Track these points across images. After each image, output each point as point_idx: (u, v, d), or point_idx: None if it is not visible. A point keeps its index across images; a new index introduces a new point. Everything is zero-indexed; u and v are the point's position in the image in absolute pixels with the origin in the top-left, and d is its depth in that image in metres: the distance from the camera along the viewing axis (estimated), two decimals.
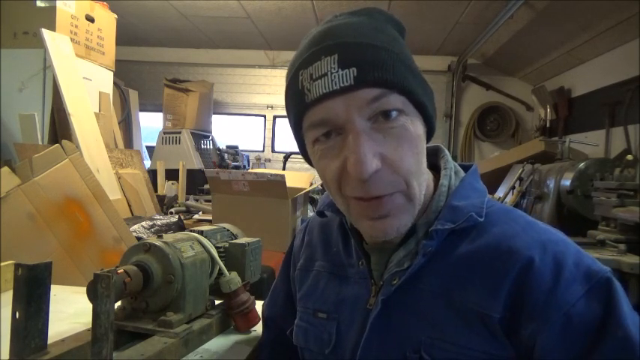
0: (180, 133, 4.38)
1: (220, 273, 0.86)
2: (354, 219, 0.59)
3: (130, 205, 2.48)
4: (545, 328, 0.50)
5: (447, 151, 0.67)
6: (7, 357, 0.58)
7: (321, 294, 0.69)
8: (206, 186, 3.43)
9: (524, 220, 0.58)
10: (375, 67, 0.51)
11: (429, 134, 0.60)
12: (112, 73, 2.90)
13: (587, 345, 0.48)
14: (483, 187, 0.64)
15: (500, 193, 3.57)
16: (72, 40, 2.43)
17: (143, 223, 2.04)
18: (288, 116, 0.61)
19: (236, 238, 0.97)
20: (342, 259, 0.69)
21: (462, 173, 0.65)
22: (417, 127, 0.55)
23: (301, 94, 0.54)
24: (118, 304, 0.77)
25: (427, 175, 0.61)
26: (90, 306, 0.57)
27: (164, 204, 2.99)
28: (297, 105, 0.55)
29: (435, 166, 0.66)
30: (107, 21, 2.78)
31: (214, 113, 5.21)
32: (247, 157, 5.29)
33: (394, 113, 0.53)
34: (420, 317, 0.56)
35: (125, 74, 4.45)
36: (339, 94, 0.51)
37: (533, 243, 0.54)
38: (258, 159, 5.68)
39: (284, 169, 4.38)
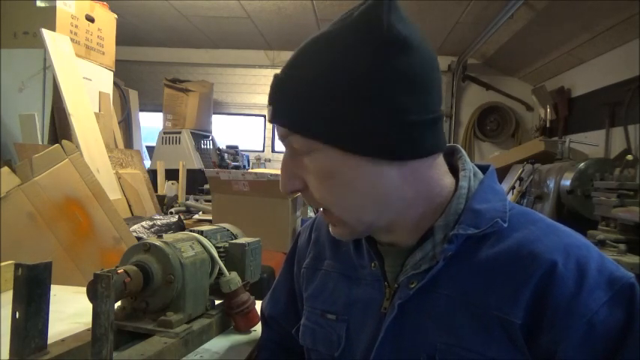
0: (180, 133, 4.38)
1: (220, 273, 0.86)
2: None
3: (130, 205, 2.48)
4: (567, 334, 0.49)
5: (463, 152, 0.66)
6: (7, 357, 0.58)
7: (330, 295, 0.68)
8: (206, 186, 3.43)
9: (545, 223, 0.57)
10: (281, 109, 0.56)
11: (401, 151, 0.54)
12: (112, 73, 2.90)
13: (609, 352, 0.48)
14: (502, 189, 0.63)
15: None
16: (72, 40, 2.43)
17: (143, 223, 2.04)
18: None
19: (236, 238, 0.97)
20: (352, 260, 0.67)
21: (480, 174, 0.63)
22: (331, 160, 0.54)
23: None
24: (118, 304, 0.77)
25: (426, 182, 0.58)
26: (90, 306, 0.57)
27: (164, 204, 2.99)
28: None
29: (452, 166, 0.64)
30: (107, 21, 2.77)
31: (214, 113, 5.21)
32: (247, 157, 5.29)
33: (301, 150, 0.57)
34: (436, 322, 0.55)
35: (125, 74, 4.45)
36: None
37: (556, 247, 0.53)
38: (258, 159, 5.67)
39: None
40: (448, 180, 0.61)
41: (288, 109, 0.56)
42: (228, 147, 5.06)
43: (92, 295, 0.56)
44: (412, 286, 0.57)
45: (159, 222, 2.11)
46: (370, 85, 0.52)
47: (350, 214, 0.58)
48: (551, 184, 3.10)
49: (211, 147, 4.78)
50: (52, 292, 0.62)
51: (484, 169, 0.65)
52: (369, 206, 0.57)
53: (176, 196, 3.28)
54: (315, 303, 0.70)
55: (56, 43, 2.28)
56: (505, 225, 0.56)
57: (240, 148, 5.17)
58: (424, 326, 0.56)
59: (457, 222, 0.57)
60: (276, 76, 0.57)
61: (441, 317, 0.55)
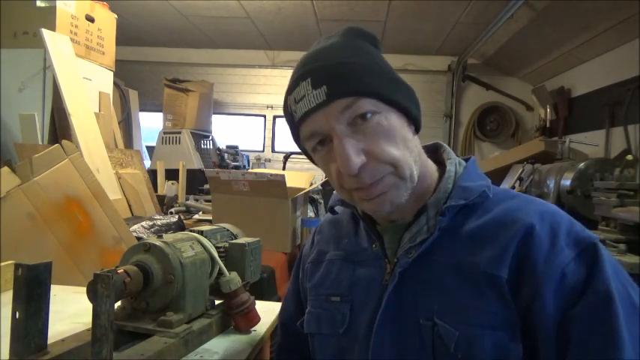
0: (180, 133, 4.38)
1: (220, 273, 0.86)
2: (357, 203, 0.68)
3: (130, 205, 2.48)
4: (545, 280, 0.57)
5: (446, 146, 0.75)
6: (7, 357, 0.59)
7: (334, 279, 0.74)
8: (206, 186, 3.43)
9: (524, 197, 0.68)
10: (341, 82, 0.62)
11: (416, 121, 0.68)
12: (112, 73, 2.90)
13: (571, 301, 0.56)
14: (484, 174, 0.72)
15: None
16: (72, 40, 2.43)
17: (143, 223, 2.04)
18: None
19: (236, 238, 0.97)
20: (354, 247, 0.74)
21: (463, 163, 0.73)
22: (392, 120, 0.63)
23: (291, 115, 0.66)
24: (118, 304, 0.77)
25: (423, 158, 0.69)
26: (90, 306, 0.57)
27: (164, 204, 2.99)
28: (291, 124, 0.68)
29: (437, 161, 0.73)
30: (107, 21, 2.77)
31: (214, 113, 5.21)
32: (247, 157, 5.28)
33: (368, 114, 0.61)
34: (432, 287, 0.62)
35: (125, 74, 4.45)
36: (317, 109, 0.62)
37: (533, 214, 0.62)
38: (258, 159, 5.67)
39: (284, 169, 4.38)
40: (431, 164, 0.71)
41: (355, 81, 0.61)
42: (228, 147, 5.06)
43: (92, 295, 0.57)
44: (410, 255, 0.65)
45: (159, 222, 2.11)
46: (389, 67, 0.66)
47: (410, 169, 0.64)
48: (551, 184, 3.10)
49: (211, 147, 4.78)
50: (52, 292, 0.62)
51: (465, 160, 0.74)
52: (416, 164, 0.66)
53: (176, 196, 3.28)
54: (320, 289, 0.75)
55: (56, 43, 2.28)
56: (491, 195, 0.66)
57: (240, 148, 5.17)
58: (422, 292, 0.63)
59: (448, 198, 0.66)
60: (315, 68, 0.63)
61: (436, 282, 0.63)
